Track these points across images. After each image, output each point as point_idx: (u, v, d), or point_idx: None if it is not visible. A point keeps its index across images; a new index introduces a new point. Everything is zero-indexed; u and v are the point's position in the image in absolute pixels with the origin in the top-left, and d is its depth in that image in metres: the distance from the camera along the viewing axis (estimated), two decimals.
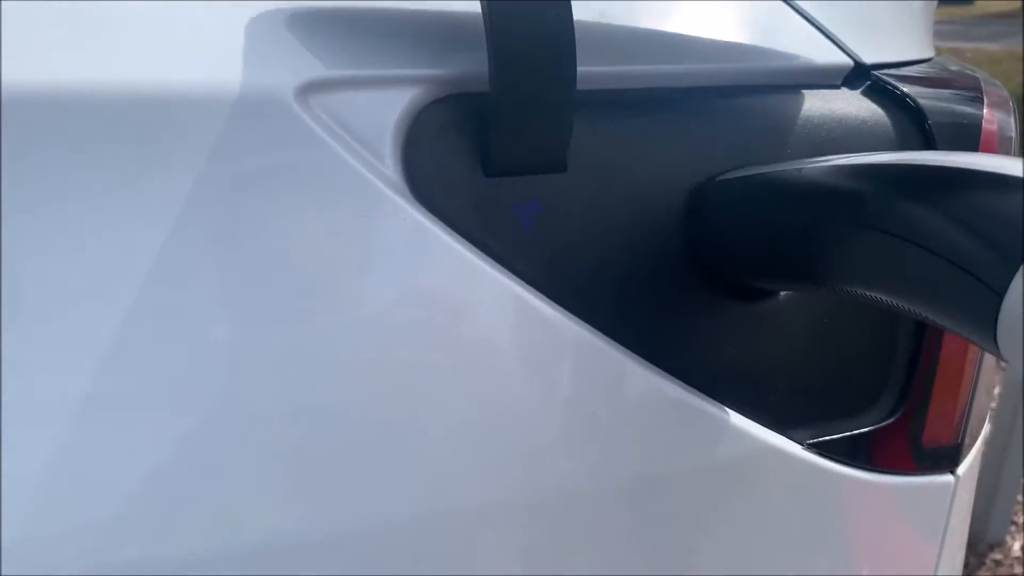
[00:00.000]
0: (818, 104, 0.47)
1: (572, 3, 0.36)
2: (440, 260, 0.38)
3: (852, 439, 0.50)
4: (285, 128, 0.35)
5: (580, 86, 0.37)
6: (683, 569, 0.47)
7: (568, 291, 0.41)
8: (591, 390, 0.42)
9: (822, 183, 0.38)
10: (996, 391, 2.29)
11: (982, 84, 0.52)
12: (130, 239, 0.33)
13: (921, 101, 0.48)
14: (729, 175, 0.43)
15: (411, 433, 0.38)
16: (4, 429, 0.33)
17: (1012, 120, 0.51)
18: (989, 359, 0.54)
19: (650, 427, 0.44)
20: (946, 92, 0.51)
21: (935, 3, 0.68)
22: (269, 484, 0.37)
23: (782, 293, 0.47)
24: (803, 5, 0.50)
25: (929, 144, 0.48)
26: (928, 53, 0.57)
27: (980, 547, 1.88)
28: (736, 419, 0.45)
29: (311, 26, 0.38)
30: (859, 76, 0.50)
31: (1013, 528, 1.91)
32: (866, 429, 0.50)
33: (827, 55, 0.49)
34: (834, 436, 0.49)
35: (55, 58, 0.33)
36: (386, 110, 0.38)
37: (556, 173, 0.40)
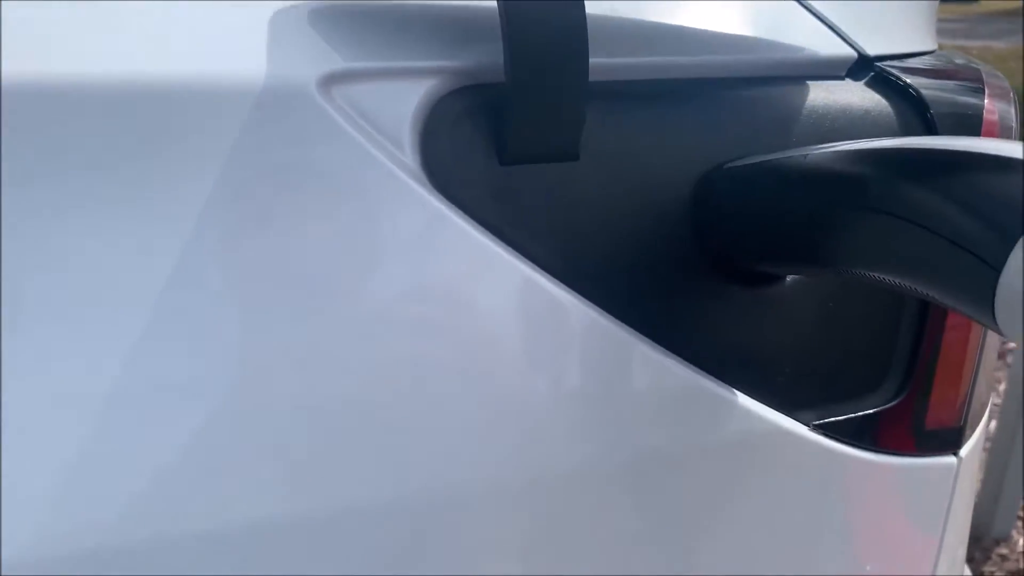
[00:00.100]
0: (823, 95, 0.48)
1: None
2: (457, 246, 0.39)
3: (857, 421, 0.51)
4: (308, 119, 0.36)
5: (592, 77, 0.39)
6: (692, 543, 0.48)
7: (580, 276, 0.42)
8: (604, 372, 0.43)
9: (827, 168, 0.39)
10: (1001, 387, 2.29)
11: (984, 76, 0.53)
12: (161, 230, 0.35)
13: (923, 91, 0.49)
14: (737, 163, 0.44)
15: (433, 410, 0.40)
16: (30, 426, 0.34)
17: (1013, 110, 0.52)
18: (991, 344, 0.56)
19: (661, 407, 0.45)
20: (948, 83, 0.52)
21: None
22: (310, 461, 0.38)
23: (788, 278, 0.48)
24: None
25: (931, 134, 0.49)
26: (931, 45, 0.58)
27: (986, 541, 1.88)
28: (744, 400, 0.46)
29: (332, 19, 0.39)
30: (863, 67, 0.51)
31: (1019, 523, 1.91)
32: (871, 411, 0.51)
33: (831, 47, 0.50)
34: (839, 417, 0.50)
35: (82, 53, 0.34)
36: (405, 100, 0.39)
37: (569, 161, 0.42)
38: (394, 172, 0.38)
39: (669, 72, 0.45)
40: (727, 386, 0.46)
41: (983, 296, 0.30)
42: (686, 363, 0.45)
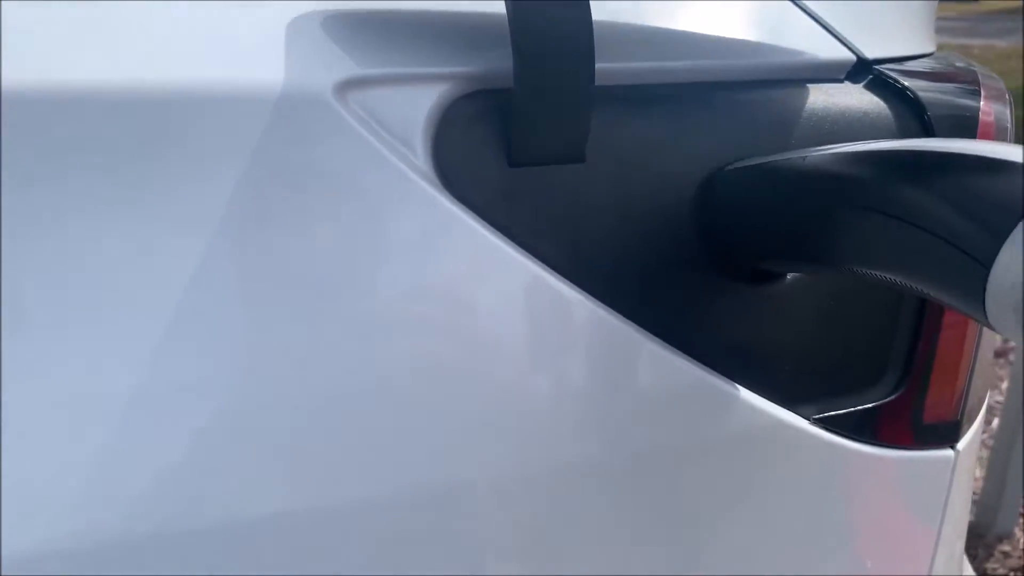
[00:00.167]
0: (822, 97, 0.49)
1: (591, 4, 0.38)
2: (467, 245, 0.40)
3: (857, 415, 0.52)
4: (325, 123, 0.37)
5: (598, 82, 0.40)
6: (697, 535, 0.49)
7: (587, 274, 0.43)
8: (610, 368, 0.45)
9: (825, 170, 0.40)
10: (1004, 385, 2.30)
11: (980, 78, 0.55)
12: (183, 231, 0.36)
13: (920, 94, 0.50)
14: (739, 164, 0.45)
15: (446, 407, 0.41)
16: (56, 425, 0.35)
17: (1008, 112, 0.53)
18: (987, 340, 0.57)
19: (667, 402, 0.46)
20: (945, 85, 0.53)
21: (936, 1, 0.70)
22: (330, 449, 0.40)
23: (790, 276, 0.49)
24: (808, 3, 0.52)
25: (928, 135, 0.50)
26: (929, 48, 0.59)
27: (988, 539, 1.88)
28: (747, 395, 0.47)
29: (346, 27, 0.40)
30: (861, 70, 0.52)
31: (1022, 520, 1.91)
32: (870, 405, 0.52)
33: (831, 51, 0.51)
34: (839, 412, 0.51)
35: (102, 59, 0.36)
36: (417, 105, 0.40)
37: (575, 163, 0.43)
38: (406, 174, 0.39)
39: (673, 76, 0.46)
40: (730, 381, 0.47)
41: (974, 292, 0.31)
42: (691, 359, 0.46)
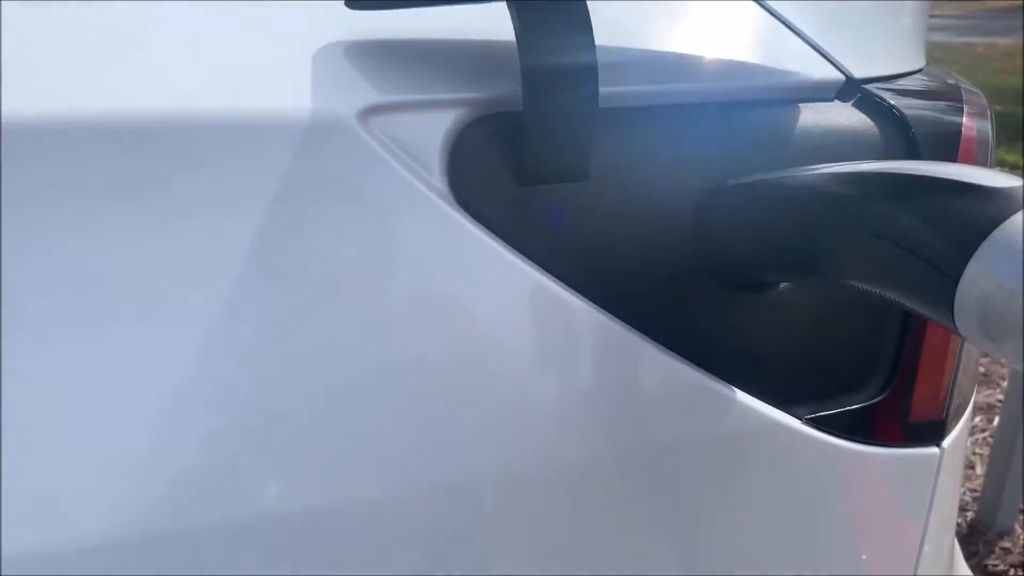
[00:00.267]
0: (813, 116, 0.52)
1: (593, 33, 0.41)
2: (479, 257, 0.43)
3: (846, 415, 0.54)
4: (349, 147, 0.40)
5: (601, 104, 0.42)
6: (692, 532, 0.51)
7: (591, 283, 0.46)
8: (612, 370, 0.47)
9: (812, 188, 0.43)
10: (1005, 383, 2.31)
11: (963, 94, 0.57)
12: (215, 249, 0.38)
13: (906, 112, 0.53)
14: (733, 181, 0.48)
15: (457, 405, 0.43)
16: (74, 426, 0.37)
17: (989, 126, 0.56)
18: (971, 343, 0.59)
19: (666, 403, 0.48)
20: (930, 103, 0.55)
21: (927, 8, 0.72)
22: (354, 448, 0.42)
23: (782, 285, 0.51)
24: (801, 26, 0.54)
25: (913, 151, 0.53)
26: (918, 64, 0.62)
27: (989, 535, 1.90)
28: (742, 396, 0.49)
29: (369, 57, 0.43)
30: (850, 90, 0.54)
31: (1022, 517, 1.92)
32: (859, 406, 0.54)
33: (822, 71, 0.53)
34: (830, 412, 0.53)
35: (139, 88, 0.39)
36: (434, 129, 0.43)
37: (580, 181, 0.45)
38: (423, 192, 0.41)
39: (673, 98, 0.49)
40: (726, 383, 0.49)
41: (945, 304, 0.34)
42: (689, 363, 0.48)
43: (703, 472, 0.51)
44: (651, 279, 0.48)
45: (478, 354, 0.44)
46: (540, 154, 0.44)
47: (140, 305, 0.38)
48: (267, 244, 0.39)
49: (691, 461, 0.50)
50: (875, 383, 0.56)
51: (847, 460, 0.54)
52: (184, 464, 0.39)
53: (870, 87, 0.54)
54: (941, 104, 0.56)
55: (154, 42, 0.41)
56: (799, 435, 0.52)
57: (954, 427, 0.59)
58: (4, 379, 0.36)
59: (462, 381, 0.43)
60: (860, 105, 0.54)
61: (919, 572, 0.59)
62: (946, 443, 0.58)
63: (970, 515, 1.97)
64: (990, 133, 0.56)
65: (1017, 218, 0.32)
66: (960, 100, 0.56)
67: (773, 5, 0.55)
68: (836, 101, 0.54)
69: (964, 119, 0.54)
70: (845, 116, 0.53)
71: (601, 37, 0.42)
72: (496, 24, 0.43)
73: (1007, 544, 1.88)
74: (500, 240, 0.44)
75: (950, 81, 0.62)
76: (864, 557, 0.57)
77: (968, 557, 1.84)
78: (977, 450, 2.21)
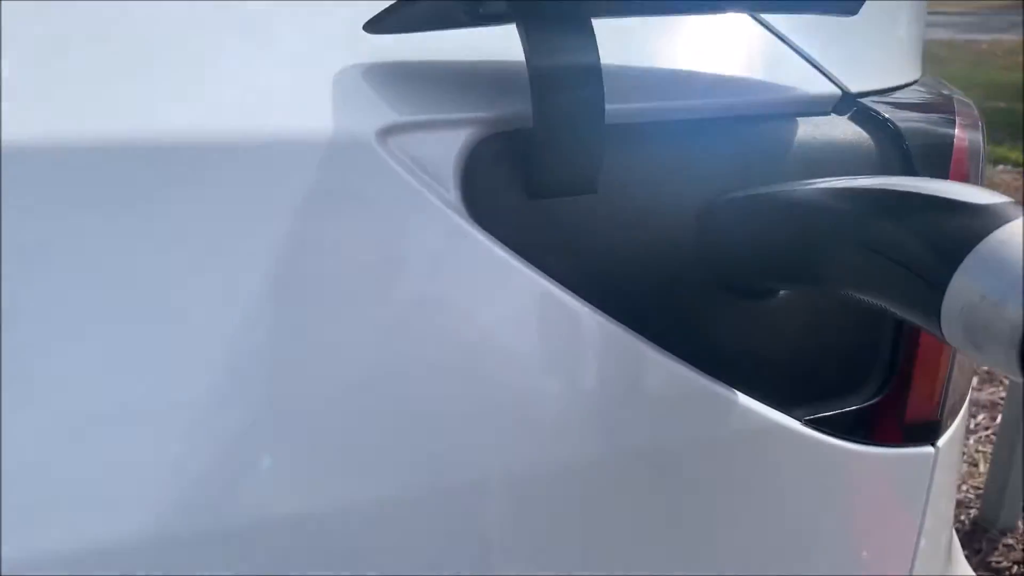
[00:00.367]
0: (810, 130, 0.53)
1: (599, 53, 0.43)
2: (491, 268, 0.45)
3: (844, 416, 0.55)
4: (369, 164, 0.42)
5: (608, 120, 0.44)
6: (696, 529, 0.53)
7: (597, 291, 0.47)
8: (617, 374, 0.48)
9: (808, 202, 0.45)
10: (1008, 381, 2.32)
11: (955, 106, 0.59)
12: (239, 263, 0.40)
13: (900, 124, 0.55)
14: (733, 194, 0.50)
15: (468, 409, 0.45)
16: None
17: (981, 137, 0.58)
18: None
19: (669, 406, 0.50)
20: (923, 115, 0.57)
21: (924, 16, 0.74)
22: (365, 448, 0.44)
23: (780, 292, 0.53)
24: (798, 42, 0.56)
25: (907, 163, 0.54)
26: (913, 76, 0.64)
27: (992, 533, 1.91)
28: (742, 399, 0.51)
29: (386, 79, 0.45)
30: (846, 104, 0.56)
31: None
32: (856, 407, 0.56)
33: (819, 86, 0.55)
34: (828, 413, 0.55)
35: (161, 108, 0.41)
36: (449, 146, 0.44)
37: (589, 194, 0.47)
38: (439, 207, 0.43)
39: (676, 114, 0.50)
40: (729, 386, 0.51)
41: (932, 314, 0.36)
42: (692, 366, 0.50)
43: (704, 472, 0.52)
44: (654, 286, 0.50)
45: (489, 359, 0.45)
46: (549, 169, 0.46)
47: (170, 312, 0.39)
48: (291, 256, 0.41)
49: (693, 461, 0.52)
50: (872, 385, 0.57)
51: (845, 460, 0.56)
52: (199, 466, 0.40)
53: (865, 100, 0.56)
54: (934, 116, 0.58)
55: (183, 63, 0.43)
56: (798, 436, 0.54)
57: (949, 426, 0.60)
58: (16, 381, 0.37)
59: (474, 386, 0.45)
60: (856, 118, 0.55)
61: (916, 567, 0.61)
62: (941, 442, 0.59)
63: (973, 512, 1.98)
64: (981, 143, 0.58)
65: (999, 233, 0.35)
66: (952, 112, 0.58)
67: (771, 21, 0.57)
68: (833, 115, 0.55)
69: (956, 131, 0.56)
70: (841, 129, 0.55)
71: (605, 55, 0.43)
72: (506, 44, 0.44)
73: (1010, 541, 1.89)
74: (510, 250, 0.45)
75: (944, 92, 0.64)
76: (861, 553, 0.59)
77: (971, 554, 1.86)
78: (980, 448, 2.23)
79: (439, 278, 0.44)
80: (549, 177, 0.46)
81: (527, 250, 0.46)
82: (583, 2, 0.43)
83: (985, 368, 2.53)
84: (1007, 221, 0.35)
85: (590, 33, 0.43)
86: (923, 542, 0.60)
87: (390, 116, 0.43)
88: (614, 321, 0.48)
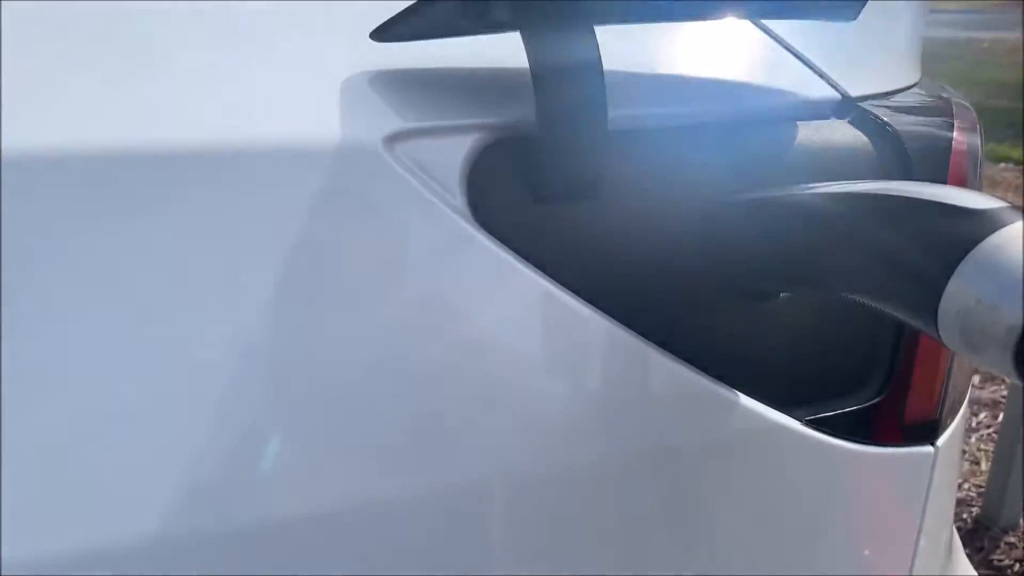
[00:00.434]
0: (810, 134, 0.54)
1: (601, 60, 0.43)
2: (496, 271, 0.46)
3: (844, 416, 0.56)
4: (376, 171, 0.43)
5: (610, 127, 0.45)
6: (697, 526, 0.54)
7: (600, 293, 0.48)
8: (620, 375, 0.49)
9: (808, 206, 0.46)
10: (1008, 380, 2.32)
11: (953, 109, 0.60)
12: (258, 262, 0.41)
13: (899, 128, 0.55)
14: (735, 198, 0.50)
15: (472, 410, 0.46)
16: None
17: (978, 139, 0.59)
18: None
19: (672, 407, 0.51)
20: (921, 119, 0.58)
21: (924, 18, 0.74)
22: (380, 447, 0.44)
23: (782, 294, 0.54)
24: (798, 47, 0.57)
25: (905, 166, 0.55)
26: (912, 79, 0.64)
27: (994, 531, 1.91)
28: (744, 399, 0.52)
29: (393, 86, 0.46)
30: (846, 108, 0.56)
31: None
32: (856, 407, 0.57)
33: (818, 91, 0.56)
34: (829, 414, 0.56)
35: (168, 115, 0.41)
36: (454, 152, 0.45)
37: (592, 199, 0.48)
38: (445, 212, 0.44)
39: (680, 119, 0.51)
40: (730, 387, 0.51)
41: (930, 317, 0.37)
42: (695, 368, 0.50)
43: (706, 472, 0.53)
44: (656, 288, 0.51)
45: (493, 361, 0.46)
46: (553, 174, 0.47)
47: (178, 315, 0.40)
48: (298, 261, 0.42)
49: (694, 462, 0.52)
50: (872, 386, 0.58)
51: (845, 460, 0.56)
52: (200, 467, 0.41)
53: (865, 104, 0.57)
54: (932, 120, 0.58)
55: (189, 69, 0.44)
56: (799, 436, 0.54)
57: (949, 426, 0.61)
58: (18, 381, 0.38)
59: (478, 388, 0.46)
60: (855, 122, 0.56)
61: (916, 565, 0.61)
62: (940, 442, 0.60)
63: (975, 511, 1.98)
64: (979, 146, 0.58)
65: (995, 237, 0.35)
66: (951, 115, 0.59)
67: (771, 26, 0.58)
68: (832, 119, 0.56)
69: (955, 134, 0.57)
70: (841, 134, 0.55)
71: (607, 61, 0.44)
72: (510, 52, 0.45)
73: (1012, 539, 1.89)
74: (515, 254, 0.46)
75: (943, 95, 0.64)
76: (861, 553, 0.60)
77: (973, 552, 1.86)
78: (982, 446, 2.23)
79: (445, 282, 0.45)
80: (553, 182, 0.47)
81: (532, 254, 0.47)
82: (585, 9, 0.44)
83: None
84: (1003, 225, 0.36)
85: (592, 39, 0.44)
86: (923, 541, 0.61)
87: (397, 123, 0.44)
88: (617, 323, 0.48)
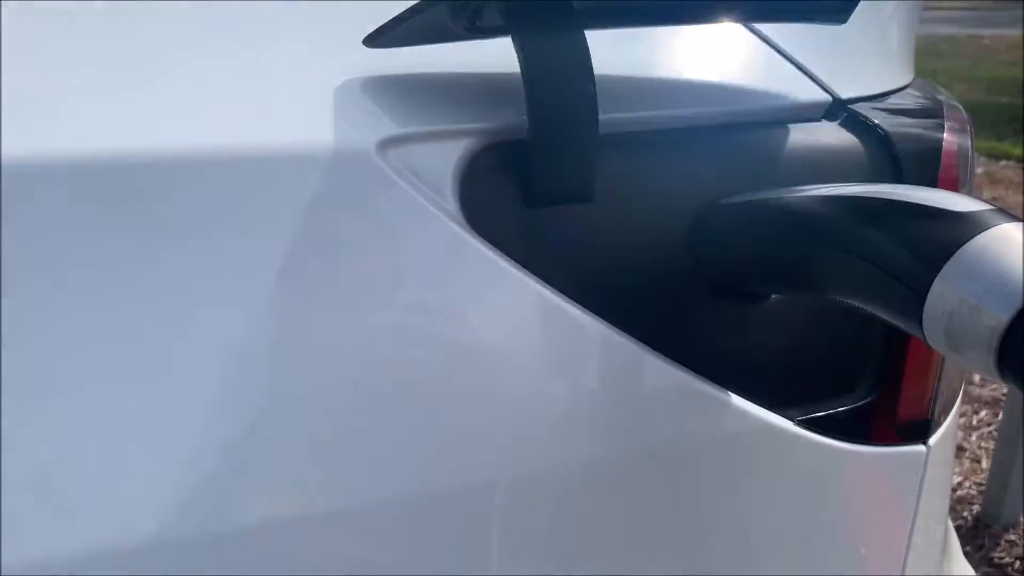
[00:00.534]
0: (801, 136, 0.54)
1: (592, 64, 0.44)
2: (489, 275, 0.46)
3: (835, 417, 0.56)
4: (369, 176, 0.43)
5: (601, 130, 0.45)
6: (691, 527, 0.54)
7: (593, 296, 0.48)
8: (614, 377, 0.49)
9: (796, 209, 0.46)
10: None
11: (944, 110, 0.60)
12: (244, 270, 0.41)
13: (889, 130, 0.55)
14: (726, 200, 0.51)
15: (465, 413, 0.46)
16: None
17: (969, 140, 0.59)
18: None
19: (665, 409, 0.51)
20: (911, 120, 0.58)
21: (917, 18, 0.74)
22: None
23: (773, 296, 0.54)
24: (788, 49, 0.58)
25: (896, 168, 0.55)
26: (904, 80, 0.65)
27: (994, 529, 1.92)
28: (737, 400, 0.52)
29: (386, 91, 0.46)
30: (837, 110, 0.56)
31: None
32: (847, 407, 0.57)
33: (809, 93, 0.56)
34: (821, 414, 0.56)
35: (161, 121, 0.42)
36: (447, 157, 0.45)
37: (584, 202, 0.48)
38: (438, 217, 0.44)
39: (669, 122, 0.51)
40: (723, 388, 0.52)
41: (914, 318, 0.37)
42: (687, 369, 0.51)
43: (699, 473, 0.53)
44: (648, 290, 0.51)
45: (487, 365, 0.46)
46: (546, 178, 0.47)
47: (175, 319, 0.40)
48: (292, 266, 0.42)
49: (687, 463, 0.53)
50: (864, 385, 0.58)
51: (838, 460, 0.57)
52: (201, 468, 0.41)
53: (856, 107, 0.57)
54: (923, 121, 0.59)
55: (183, 75, 0.44)
56: (792, 436, 0.54)
57: (941, 424, 0.61)
58: (18, 382, 0.38)
59: (473, 391, 0.46)
60: (846, 125, 0.56)
61: (909, 564, 0.62)
62: (932, 441, 0.60)
63: (976, 508, 1.99)
64: (970, 147, 0.59)
65: (979, 239, 0.36)
66: (942, 116, 0.59)
67: (761, 29, 0.58)
68: (823, 121, 0.56)
69: (945, 135, 0.57)
70: (832, 136, 0.55)
71: (598, 66, 0.45)
72: (503, 57, 0.45)
73: (1012, 537, 1.90)
74: (508, 258, 0.46)
75: (935, 96, 0.65)
76: (854, 552, 0.60)
77: (974, 550, 1.87)
78: (983, 444, 2.23)
79: (439, 286, 0.45)
80: (545, 186, 0.47)
81: (524, 257, 0.47)
82: (576, 14, 0.44)
83: None
84: (988, 227, 0.36)
85: (583, 44, 0.44)
86: (916, 539, 0.61)
87: (390, 128, 0.45)
88: (610, 326, 0.49)
